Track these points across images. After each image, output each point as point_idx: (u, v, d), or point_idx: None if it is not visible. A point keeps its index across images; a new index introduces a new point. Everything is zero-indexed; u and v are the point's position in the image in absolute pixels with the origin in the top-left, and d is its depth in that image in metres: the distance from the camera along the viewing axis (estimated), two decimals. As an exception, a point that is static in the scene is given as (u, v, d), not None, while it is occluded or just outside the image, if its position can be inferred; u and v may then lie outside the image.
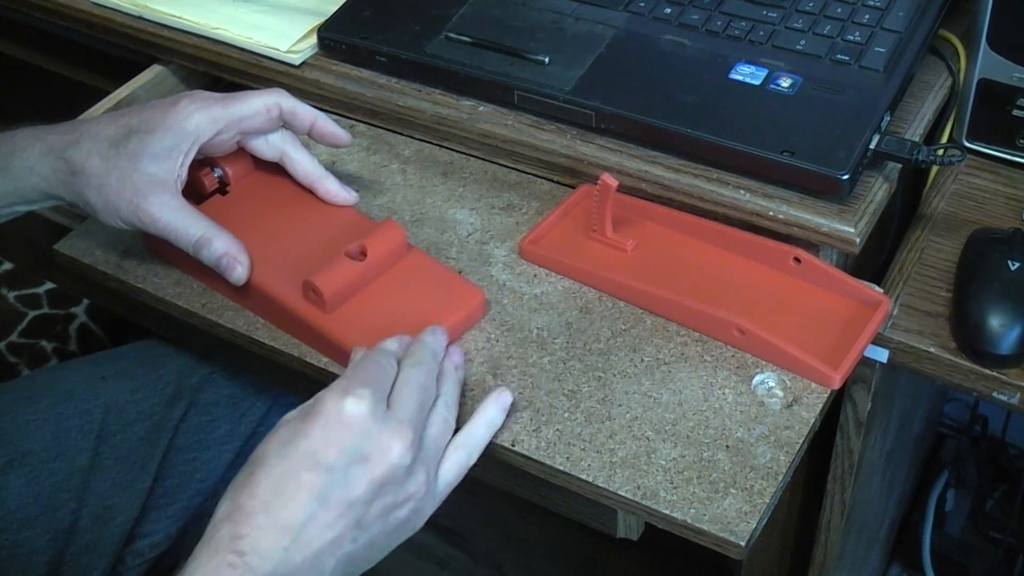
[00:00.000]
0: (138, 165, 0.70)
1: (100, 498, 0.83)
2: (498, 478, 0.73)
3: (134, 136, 0.71)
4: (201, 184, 0.77)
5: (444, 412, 0.64)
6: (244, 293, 0.73)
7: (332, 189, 0.78)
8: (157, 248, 0.78)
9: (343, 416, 0.59)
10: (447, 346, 0.68)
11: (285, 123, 0.76)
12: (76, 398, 0.85)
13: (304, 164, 0.78)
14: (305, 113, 0.76)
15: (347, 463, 0.58)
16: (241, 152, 0.78)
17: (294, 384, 0.80)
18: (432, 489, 0.62)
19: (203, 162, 0.78)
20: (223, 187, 0.79)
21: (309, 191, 0.79)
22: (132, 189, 0.70)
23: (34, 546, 0.80)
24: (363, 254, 0.72)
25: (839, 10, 0.81)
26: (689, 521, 0.61)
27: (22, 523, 0.80)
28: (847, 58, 0.78)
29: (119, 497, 0.83)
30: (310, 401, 0.61)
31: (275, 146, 0.77)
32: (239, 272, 0.71)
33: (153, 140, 0.71)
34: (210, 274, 0.74)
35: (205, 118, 0.72)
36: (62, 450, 0.82)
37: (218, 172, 0.78)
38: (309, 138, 0.78)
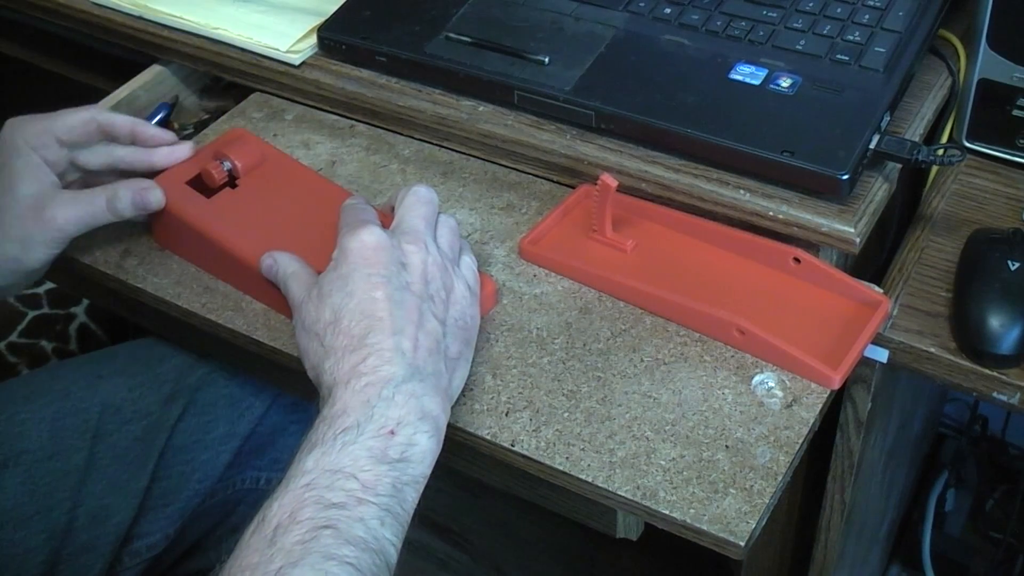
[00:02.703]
0: (16, 194, 0.73)
1: (96, 497, 0.83)
2: (498, 478, 0.73)
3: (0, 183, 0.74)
4: (210, 177, 0.78)
5: (444, 227, 0.71)
6: (255, 284, 0.74)
7: (152, 132, 0.79)
8: (167, 240, 0.79)
9: (367, 244, 0.66)
10: None
11: (106, 135, 0.78)
12: (73, 397, 0.85)
13: (117, 120, 0.79)
14: (122, 121, 0.79)
15: (396, 271, 0.65)
16: (250, 145, 0.79)
17: (293, 384, 0.80)
18: (464, 282, 0.69)
19: (213, 155, 0.78)
20: (232, 180, 0.79)
21: (319, 184, 0.79)
22: (28, 211, 0.73)
23: (29, 546, 0.80)
24: None
25: (839, 10, 0.81)
26: (689, 521, 0.61)
27: (17, 522, 0.80)
28: (847, 58, 0.78)
29: (115, 497, 0.83)
30: (330, 264, 0.67)
31: (100, 154, 0.79)
32: (155, 195, 0.74)
33: (12, 172, 0.74)
34: (222, 268, 0.75)
35: (29, 129, 0.75)
36: (58, 449, 0.82)
37: (227, 165, 0.78)
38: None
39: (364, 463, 0.57)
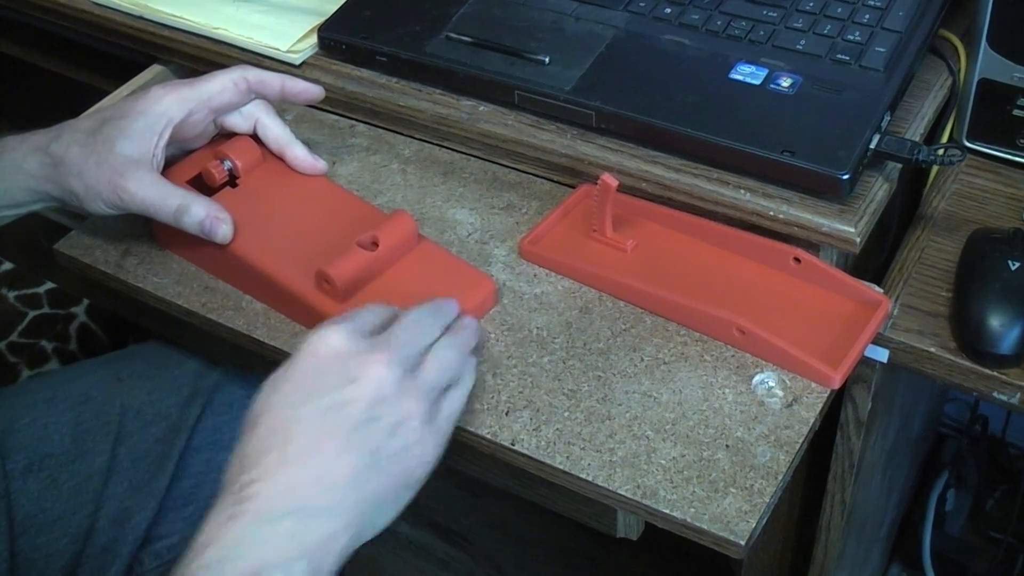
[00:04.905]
0: (114, 148, 0.73)
1: (118, 500, 0.82)
2: (498, 478, 0.73)
3: (110, 123, 0.74)
4: (211, 176, 0.78)
5: (442, 351, 0.63)
6: (256, 283, 0.74)
7: (300, 155, 0.80)
8: (167, 240, 0.78)
9: (319, 350, 0.60)
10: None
11: (256, 93, 0.79)
12: (94, 400, 0.85)
13: (275, 130, 0.80)
14: (272, 78, 0.79)
15: (337, 387, 0.59)
16: (250, 144, 0.79)
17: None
18: (435, 420, 0.61)
19: (213, 155, 0.78)
20: (233, 179, 0.79)
21: (319, 184, 0.79)
22: (110, 170, 0.73)
23: (52, 550, 0.80)
24: (375, 244, 0.72)
25: (839, 10, 0.81)
26: (689, 520, 0.61)
27: (40, 527, 0.80)
28: (847, 58, 0.78)
29: (136, 498, 0.83)
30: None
31: (249, 115, 0.80)
32: (224, 230, 0.73)
33: (127, 124, 0.74)
34: (221, 267, 0.74)
35: (175, 100, 0.75)
36: (81, 452, 0.82)
37: (228, 164, 0.78)
38: (287, 104, 0.81)
39: None
